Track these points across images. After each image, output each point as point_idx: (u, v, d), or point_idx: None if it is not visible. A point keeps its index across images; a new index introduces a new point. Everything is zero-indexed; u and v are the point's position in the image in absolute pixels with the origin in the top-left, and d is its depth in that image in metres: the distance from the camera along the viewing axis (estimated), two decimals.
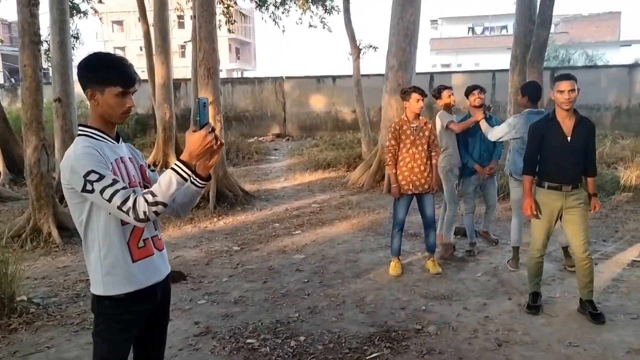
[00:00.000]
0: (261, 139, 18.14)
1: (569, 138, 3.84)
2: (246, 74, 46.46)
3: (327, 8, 15.66)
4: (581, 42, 35.84)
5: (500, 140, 5.19)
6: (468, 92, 5.51)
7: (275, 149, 16.07)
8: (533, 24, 13.20)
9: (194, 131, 1.98)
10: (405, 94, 5.02)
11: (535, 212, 4.04)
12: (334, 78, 18.90)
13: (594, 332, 3.80)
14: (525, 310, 4.15)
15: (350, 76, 18.42)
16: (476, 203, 5.86)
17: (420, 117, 5.04)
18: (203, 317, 4.27)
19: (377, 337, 3.83)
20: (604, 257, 5.49)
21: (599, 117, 16.66)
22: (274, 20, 14.84)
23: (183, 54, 43.31)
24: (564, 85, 3.73)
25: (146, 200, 1.91)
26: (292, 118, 19.07)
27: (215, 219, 7.59)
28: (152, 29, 13.12)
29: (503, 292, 4.64)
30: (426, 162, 4.99)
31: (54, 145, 8.41)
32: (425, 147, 4.99)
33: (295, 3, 15.96)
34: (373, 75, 17.00)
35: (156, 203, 1.92)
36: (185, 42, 18.83)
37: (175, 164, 1.96)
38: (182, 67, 32.33)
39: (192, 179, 2.06)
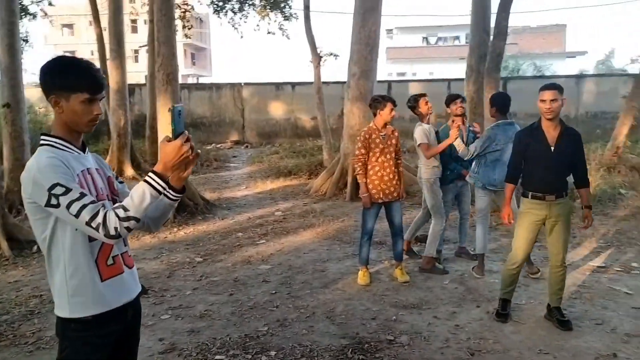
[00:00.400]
0: (219, 146, 17.87)
1: (552, 147, 3.86)
2: (202, 80, 45.85)
3: (286, 15, 15.63)
4: (530, 53, 37.11)
5: (477, 154, 5.16)
6: (450, 101, 5.52)
7: (234, 156, 15.85)
8: (487, 34, 13.54)
9: (169, 140, 1.86)
10: (378, 102, 4.98)
11: (512, 221, 4.06)
12: (293, 85, 18.85)
13: (562, 339, 3.85)
14: (494, 318, 4.16)
15: (309, 83, 18.48)
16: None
17: (388, 126, 5.02)
18: (167, 333, 4.09)
19: (350, 350, 3.76)
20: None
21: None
22: (233, 25, 14.67)
23: (136, 59, 42.39)
24: (547, 94, 3.76)
25: (117, 216, 1.77)
26: (251, 125, 18.89)
27: (175, 229, 7.36)
28: (105, 33, 12.72)
29: (471, 300, 4.66)
30: (394, 170, 4.98)
31: (1, 153, 7.99)
32: (393, 155, 4.98)
33: (253, 9, 15.86)
34: (332, 82, 17.08)
35: (128, 218, 1.78)
36: (140, 46, 18.38)
37: (149, 176, 1.83)
38: (135, 72, 31.54)
39: (166, 191, 1.94)
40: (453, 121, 5.45)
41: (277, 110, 18.84)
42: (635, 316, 4.20)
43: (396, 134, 5.04)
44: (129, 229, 1.80)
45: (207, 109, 18.90)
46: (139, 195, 1.79)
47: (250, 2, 15.55)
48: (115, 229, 1.77)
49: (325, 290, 4.95)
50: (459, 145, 5.28)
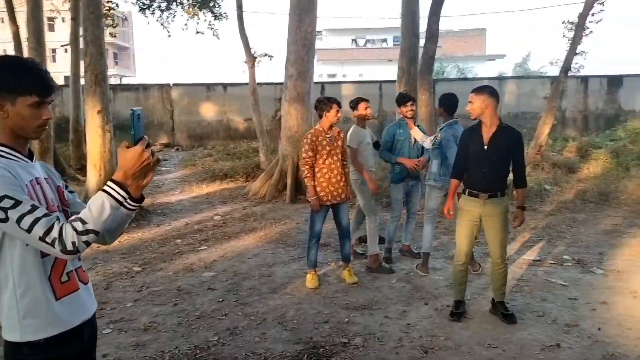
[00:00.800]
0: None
1: (485, 147, 4.00)
2: (125, 81, 44.14)
3: (216, 14, 15.29)
4: (453, 56, 38.58)
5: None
6: (401, 102, 5.56)
7: (165, 160, 15.30)
8: (417, 37, 13.91)
9: (128, 147, 1.73)
10: (324, 104, 4.95)
11: (452, 214, 4.18)
12: (225, 86, 18.51)
13: (508, 332, 3.98)
14: (449, 318, 4.22)
15: (242, 84, 18.25)
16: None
17: (333, 127, 5.01)
18: (111, 349, 3.85)
19: (305, 355, 3.71)
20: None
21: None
22: (162, 24, 14.17)
23: (54, 59, 40.15)
24: (470, 97, 3.99)
25: (75, 229, 1.63)
26: (181, 127, 18.36)
27: None
28: (21, 30, 11.93)
29: (419, 298, 4.73)
30: (341, 172, 4.98)
31: None
32: (340, 156, 4.97)
33: (182, 7, 15.41)
34: (265, 84, 16.92)
35: (87, 231, 1.64)
36: (62, 45, 17.37)
37: (108, 186, 1.69)
38: (54, 72, 29.86)
39: (126, 201, 1.80)
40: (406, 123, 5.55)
41: (208, 111, 18.43)
42: (572, 307, 4.42)
43: (342, 135, 5.04)
44: (87, 244, 1.66)
45: None
46: (98, 207, 1.66)
47: (178, 1, 15.09)
48: (73, 243, 1.62)
49: (274, 296, 4.86)
50: (416, 134, 5.36)
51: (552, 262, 5.61)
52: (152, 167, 1.78)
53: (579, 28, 11.35)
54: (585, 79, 18.04)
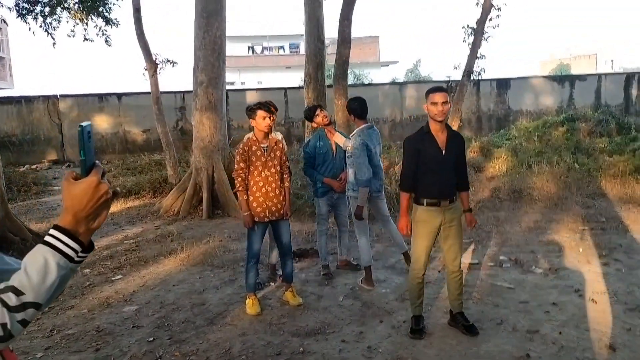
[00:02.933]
0: (35, 166, 15.56)
1: (443, 152, 3.78)
2: (1, 93, 40.07)
3: (107, 19, 14.11)
4: (349, 62, 39.31)
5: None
6: (312, 115, 5.26)
7: (56, 178, 13.86)
8: (322, 43, 13.82)
9: (76, 178, 1.21)
10: (249, 112, 4.51)
11: (410, 232, 3.90)
12: (120, 96, 17.26)
13: (473, 346, 3.78)
14: (409, 335, 3.96)
15: (138, 93, 17.15)
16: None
17: (271, 137, 4.57)
18: None
19: None
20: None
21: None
22: (46, 31, 12.76)
23: None
24: (437, 97, 3.66)
25: (5, 305, 1.09)
26: (72, 141, 16.82)
27: None
28: None
29: (372, 316, 4.42)
30: (280, 185, 4.54)
31: None
32: (278, 168, 4.54)
33: (68, 12, 14.05)
34: (164, 92, 15.96)
35: (24, 306, 1.10)
36: None
37: (53, 236, 1.14)
38: None
39: (79, 255, 1.26)
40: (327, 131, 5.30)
41: (102, 123, 17.06)
42: (526, 310, 4.34)
43: (281, 145, 4.61)
44: (24, 323, 1.12)
45: (15, 125, 16.39)
46: (39, 268, 1.11)
47: (64, 5, 13.73)
48: (3, 326, 1.08)
49: (212, 328, 4.31)
50: (338, 139, 5.17)
51: (491, 264, 5.58)
52: (108, 204, 1.27)
53: (479, 33, 11.82)
54: (477, 83, 19.01)
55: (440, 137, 3.80)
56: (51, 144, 16.71)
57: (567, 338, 3.81)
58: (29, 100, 16.72)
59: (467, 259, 5.80)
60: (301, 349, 3.86)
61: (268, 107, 4.50)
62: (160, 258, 6.34)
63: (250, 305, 4.57)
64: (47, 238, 1.14)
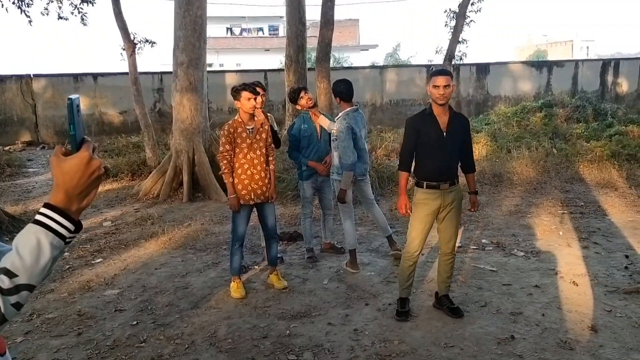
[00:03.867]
0: (8, 148, 15.15)
1: (445, 133, 3.76)
2: None
3: None
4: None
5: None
6: (296, 97, 5.19)
7: (30, 160, 13.55)
8: (304, 25, 13.71)
9: (66, 153, 1.15)
10: (234, 93, 4.43)
11: (409, 211, 3.88)
12: (95, 76, 16.84)
13: (459, 328, 3.81)
14: (395, 317, 3.97)
15: (115, 74, 16.77)
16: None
17: (256, 118, 4.50)
18: None
19: None
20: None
21: None
22: (19, 8, 12.32)
23: None
24: (440, 80, 3.62)
25: None
26: (46, 122, 16.40)
27: None
28: None
29: (357, 298, 4.43)
30: (265, 168, 4.49)
31: None
32: (264, 150, 4.48)
33: None
34: (143, 73, 15.63)
35: (17, 288, 1.05)
36: None
37: (45, 215, 1.08)
38: None
39: (71, 234, 1.20)
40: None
41: None
42: (509, 293, 4.40)
43: (266, 127, 4.54)
44: (18, 306, 1.07)
45: None
46: (32, 249, 1.06)
47: None
48: None
49: (197, 311, 4.27)
50: (323, 121, 5.15)
51: (475, 247, 5.63)
52: (100, 181, 1.21)
53: (460, 17, 11.82)
54: (457, 68, 19.04)
55: (443, 119, 3.78)
56: (24, 125, 16.27)
57: (549, 320, 3.87)
58: (1, 80, 16.20)
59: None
60: (287, 332, 3.85)
61: (253, 88, 4.42)
62: (141, 241, 6.25)
63: (235, 289, 4.53)
64: (39, 217, 1.08)
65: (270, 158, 4.56)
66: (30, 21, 13.48)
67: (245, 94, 4.37)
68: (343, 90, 5.04)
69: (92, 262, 5.59)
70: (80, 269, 5.36)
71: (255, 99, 4.40)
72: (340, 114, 5.01)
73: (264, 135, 4.48)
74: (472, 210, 4.14)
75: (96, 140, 15.33)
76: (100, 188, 9.36)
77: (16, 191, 9.73)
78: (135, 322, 4.09)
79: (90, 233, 6.73)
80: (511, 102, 18.84)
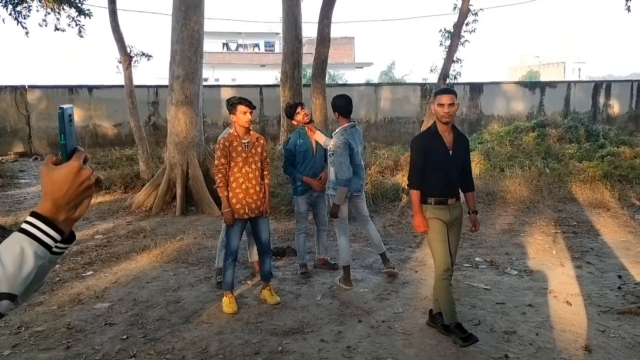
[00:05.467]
0: (0, 159, 15.06)
1: (450, 151, 3.79)
2: None
3: (81, 9, 13.75)
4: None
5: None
6: (293, 112, 5.20)
7: (22, 171, 13.46)
8: (300, 42, 13.82)
9: (56, 163, 1.13)
10: (230, 106, 4.44)
11: (427, 229, 3.84)
12: (90, 88, 16.85)
13: (452, 347, 3.78)
14: (462, 345, 3.64)
15: (110, 86, 16.81)
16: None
17: (252, 132, 4.51)
18: None
19: None
20: (419, 264, 5.73)
21: None
22: (16, 19, 12.34)
23: None
24: (445, 99, 3.66)
25: None
26: (40, 134, 16.34)
27: None
28: None
29: (350, 315, 4.39)
30: (260, 182, 4.48)
31: None
32: (259, 164, 4.47)
33: (39, 0, 13.63)
34: (138, 86, 15.66)
35: None
36: None
37: (30, 224, 1.06)
38: None
39: (57, 245, 1.18)
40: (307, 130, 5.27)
41: None
42: (502, 312, 4.38)
43: (262, 141, 4.54)
44: None
45: None
46: (15, 257, 1.03)
47: None
48: None
49: (188, 326, 4.22)
50: (319, 137, 5.15)
51: (467, 265, 5.62)
52: (91, 191, 1.19)
53: (455, 37, 11.93)
54: (451, 87, 19.22)
55: (447, 138, 3.81)
56: (18, 136, 16.20)
57: (543, 339, 3.86)
58: None
59: None
60: (280, 348, 3.80)
61: (249, 102, 4.43)
62: (132, 254, 6.19)
63: (227, 304, 4.49)
64: (24, 225, 1.06)
65: (265, 172, 4.55)
66: (27, 32, 13.53)
67: (241, 108, 4.38)
68: (342, 105, 5.05)
69: (83, 274, 5.52)
70: (71, 282, 5.30)
71: (251, 112, 4.42)
72: (337, 130, 5.02)
73: (259, 149, 4.48)
74: (473, 230, 4.11)
75: (90, 153, 15.26)
76: (93, 200, 9.26)
77: (7, 202, 9.64)
78: (125, 336, 4.03)
79: (81, 245, 6.66)
80: (504, 121, 19.01)
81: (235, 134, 4.44)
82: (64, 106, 1.21)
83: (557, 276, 5.21)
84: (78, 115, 16.62)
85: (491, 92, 20.12)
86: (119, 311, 4.54)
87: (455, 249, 3.98)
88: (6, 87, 16.14)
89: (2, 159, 15.12)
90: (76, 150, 1.16)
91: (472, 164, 11.30)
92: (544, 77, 43.98)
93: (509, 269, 5.45)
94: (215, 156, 4.45)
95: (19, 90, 16.09)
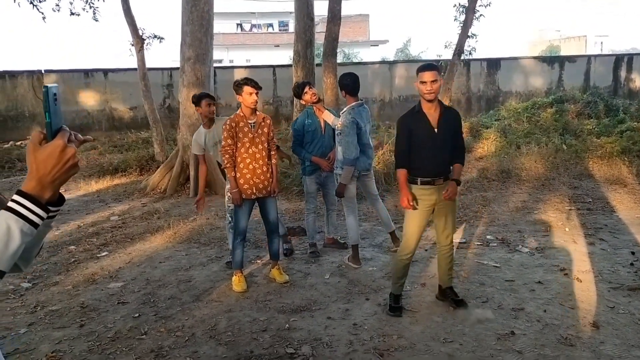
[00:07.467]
0: (19, 143, 15.32)
1: (436, 129, 3.73)
2: None
3: None
4: (338, 41, 38.90)
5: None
6: (301, 92, 5.18)
7: None
8: (312, 20, 13.68)
9: (43, 141, 1.16)
10: (237, 87, 4.44)
11: (412, 204, 3.83)
12: (106, 72, 16.94)
13: (459, 324, 3.80)
14: (388, 313, 3.96)
15: (125, 70, 16.87)
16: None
17: (258, 113, 4.51)
18: None
19: None
20: (428, 242, 5.72)
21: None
22: (31, 3, 12.43)
23: None
24: (427, 75, 3.59)
25: None
26: None
27: None
28: None
29: (358, 293, 4.42)
30: (267, 162, 4.49)
31: None
32: (266, 145, 4.49)
33: None
34: (152, 69, 15.72)
35: None
36: None
37: (16, 202, 1.10)
38: None
39: (44, 220, 1.22)
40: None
41: (88, 100, 16.77)
42: (511, 289, 4.36)
43: (268, 121, 4.54)
44: None
45: None
46: (2, 235, 1.06)
47: None
48: None
49: (199, 304, 4.30)
50: (327, 117, 5.12)
51: (478, 243, 5.59)
52: (76, 169, 1.22)
53: (470, 12, 11.73)
54: (467, 63, 18.91)
55: (433, 115, 3.74)
56: (36, 120, 16.40)
57: (551, 316, 3.84)
58: (12, 75, 16.36)
59: (456, 238, 5.79)
60: (287, 325, 3.86)
61: (255, 82, 4.43)
62: (146, 235, 6.30)
63: (237, 282, 4.55)
64: (10, 204, 1.10)
65: (273, 152, 4.56)
66: (44, 17, 13.62)
67: (247, 89, 4.39)
68: (349, 84, 5.01)
69: (98, 255, 5.64)
70: (86, 262, 5.42)
71: (257, 93, 4.42)
72: (345, 108, 5.00)
73: (265, 130, 4.49)
74: (445, 196, 3.79)
75: (106, 136, 15.48)
76: (109, 183, 9.47)
77: None
78: (137, 315, 4.12)
79: (97, 227, 6.80)
80: (522, 97, 18.68)
81: (242, 114, 4.44)
82: (49, 85, 1.23)
83: (568, 253, 5.17)
84: (94, 99, 16.81)
85: (509, 68, 19.74)
86: (131, 290, 4.64)
87: (449, 227, 3.97)
88: (23, 72, 16.32)
89: (21, 143, 15.37)
90: (61, 129, 1.19)
91: (488, 141, 11.33)
92: (564, 52, 43.00)
93: (520, 246, 5.41)
94: (222, 137, 4.47)
95: (35, 75, 16.27)
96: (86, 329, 3.91)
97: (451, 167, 3.89)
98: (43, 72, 16.51)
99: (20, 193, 1.11)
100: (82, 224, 6.95)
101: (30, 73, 16.34)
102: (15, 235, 1.08)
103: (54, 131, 1.18)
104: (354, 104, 4.97)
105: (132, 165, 10.40)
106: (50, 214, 1.23)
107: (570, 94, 15.83)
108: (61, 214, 7.57)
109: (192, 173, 8.46)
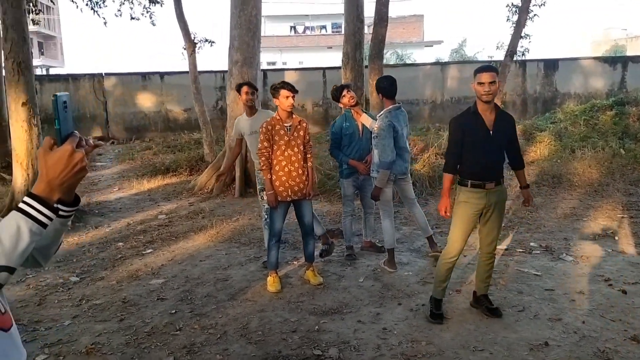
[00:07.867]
0: None
1: (491, 132, 3.66)
2: (52, 72, 41.54)
3: None
4: (391, 42, 38.56)
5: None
6: (339, 95, 5.21)
7: (100, 154, 14.35)
8: (361, 22, 13.64)
9: (53, 146, 1.25)
10: (274, 91, 4.52)
11: (449, 214, 3.80)
12: (162, 75, 17.55)
13: (491, 332, 3.72)
14: (429, 319, 3.91)
15: (180, 73, 17.40)
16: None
17: (294, 116, 4.57)
18: None
19: None
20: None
21: (418, 111, 17.89)
22: (91, 8, 13.07)
23: None
24: (485, 77, 3.52)
25: None
26: (116, 119, 17.28)
27: None
28: None
29: (391, 297, 4.40)
30: (303, 165, 4.55)
31: None
32: (301, 147, 4.54)
33: None
34: (205, 72, 16.16)
35: None
36: None
37: (26, 203, 1.19)
38: None
39: (66, 210, 1.33)
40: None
41: (145, 102, 17.43)
42: (550, 299, 4.23)
43: (304, 125, 4.60)
44: None
45: None
46: (11, 235, 1.15)
47: None
48: None
49: (233, 303, 4.40)
50: (365, 120, 5.13)
51: (521, 250, 5.44)
52: (84, 173, 1.30)
53: (523, 11, 11.38)
54: (523, 64, 18.37)
55: (488, 117, 3.66)
56: (96, 121, 17.21)
57: (590, 327, 3.70)
58: (75, 78, 17.25)
59: (499, 245, 5.66)
60: (317, 327, 3.89)
61: (292, 86, 4.50)
62: (190, 234, 6.49)
63: (271, 283, 4.63)
64: (21, 205, 1.19)
65: (309, 155, 4.61)
66: (105, 22, 14.27)
67: (283, 92, 4.46)
68: (386, 87, 5.00)
69: (143, 252, 5.87)
70: (131, 259, 5.65)
71: (293, 97, 4.48)
72: (382, 112, 4.99)
73: (301, 133, 4.54)
74: (527, 205, 4.05)
75: (161, 137, 16.04)
76: (160, 182, 9.81)
77: (83, 183, 10.31)
78: (174, 311, 4.27)
79: (145, 225, 7.07)
80: (581, 99, 17.94)
81: (278, 117, 4.52)
82: (58, 94, 1.33)
83: (615, 263, 4.95)
84: (151, 101, 17.43)
85: (567, 69, 19.02)
86: (171, 287, 4.80)
87: (494, 234, 3.87)
88: (85, 75, 17.16)
89: None
90: (71, 135, 1.28)
91: (541, 145, 10.96)
92: (630, 51, 40.94)
93: (564, 254, 5.23)
94: (259, 140, 4.56)
95: (96, 78, 17.05)
96: (125, 323, 4.08)
97: (502, 177, 3.84)
98: (104, 75, 17.29)
99: (30, 195, 1.20)
100: (131, 222, 7.24)
101: (92, 76, 17.14)
102: (24, 234, 1.16)
103: (63, 137, 1.27)
104: (391, 107, 4.95)
105: (182, 166, 10.74)
106: (64, 214, 1.33)
107: (633, 95, 15.08)
108: (114, 211, 7.93)
109: (237, 174, 8.64)
